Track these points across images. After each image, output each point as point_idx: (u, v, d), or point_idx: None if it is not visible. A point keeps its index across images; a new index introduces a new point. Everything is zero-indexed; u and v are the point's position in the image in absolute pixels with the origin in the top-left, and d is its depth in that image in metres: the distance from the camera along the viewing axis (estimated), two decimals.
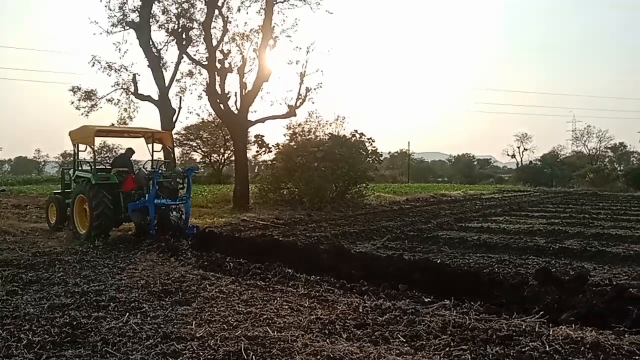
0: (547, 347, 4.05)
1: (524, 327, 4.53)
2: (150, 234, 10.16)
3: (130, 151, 12.29)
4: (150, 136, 12.34)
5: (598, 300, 5.11)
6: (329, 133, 24.11)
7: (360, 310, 5.18)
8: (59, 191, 12.94)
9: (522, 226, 13.45)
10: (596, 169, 47.96)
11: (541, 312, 4.91)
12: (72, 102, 22.55)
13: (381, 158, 24.56)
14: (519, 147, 73.12)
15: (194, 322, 4.82)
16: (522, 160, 72.41)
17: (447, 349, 4.11)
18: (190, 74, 22.65)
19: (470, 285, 6.17)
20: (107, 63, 21.86)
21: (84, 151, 11.83)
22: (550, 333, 4.34)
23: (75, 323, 4.75)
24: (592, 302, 5.10)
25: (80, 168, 11.71)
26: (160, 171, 11.09)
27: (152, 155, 12.55)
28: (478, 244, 10.28)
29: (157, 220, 10.50)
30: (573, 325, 4.51)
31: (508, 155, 74.11)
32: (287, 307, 5.38)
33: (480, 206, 21.01)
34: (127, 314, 5.10)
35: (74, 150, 11.96)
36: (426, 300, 5.55)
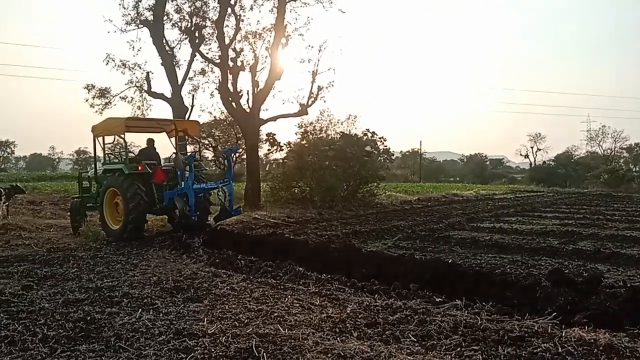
0: (560, 348, 4.02)
1: (536, 328, 4.50)
2: (192, 219, 10.14)
3: (152, 142, 11.94)
4: (174, 128, 11.90)
5: (612, 302, 5.05)
6: (341, 132, 24.15)
7: (371, 309, 5.18)
8: (77, 196, 12.43)
9: (535, 227, 13.33)
10: (611, 169, 47.31)
11: (554, 314, 4.87)
12: (87, 100, 22.82)
13: (393, 157, 24.51)
14: (532, 147, 72.53)
15: (205, 319, 4.85)
16: (535, 160, 71.79)
17: (458, 349, 4.09)
18: (203, 72, 22.80)
19: (482, 285, 6.13)
20: (121, 61, 22.09)
21: (112, 143, 11.91)
22: (563, 334, 4.30)
23: (89, 318, 4.81)
24: (605, 304, 5.04)
25: (107, 161, 11.47)
26: (196, 157, 11.28)
27: (177, 148, 11.91)
28: (490, 245, 10.21)
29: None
30: (586, 327, 4.48)
31: (521, 155, 73.50)
32: (298, 305, 5.39)
33: (492, 206, 20.85)
34: (140, 310, 5.15)
35: (99, 145, 11.50)
36: (437, 300, 5.53)
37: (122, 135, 11.15)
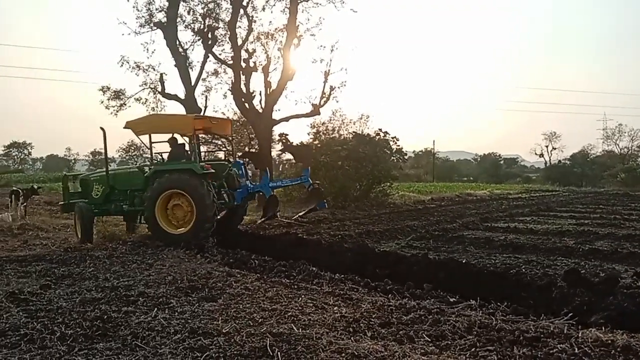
0: (576, 349, 3.97)
1: (552, 328, 4.45)
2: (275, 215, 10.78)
3: (176, 140, 11.18)
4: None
5: (629, 303, 4.99)
6: (353, 132, 24.10)
7: (385, 309, 5.17)
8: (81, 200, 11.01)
9: (551, 227, 13.19)
10: (628, 168, 46.63)
11: (570, 314, 4.82)
12: (102, 102, 23.07)
13: (405, 157, 24.43)
14: (547, 146, 71.66)
15: (220, 318, 4.89)
16: (550, 159, 70.93)
17: (472, 350, 4.07)
18: (216, 73, 22.92)
19: (496, 285, 6.10)
20: (135, 63, 22.31)
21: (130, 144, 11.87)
22: (580, 335, 4.25)
23: (105, 317, 4.87)
24: (623, 305, 4.98)
25: (158, 161, 10.71)
26: (242, 162, 11.57)
27: (195, 147, 11.24)
28: (505, 245, 10.12)
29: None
30: (603, 328, 4.42)
31: (536, 154, 72.67)
32: (311, 304, 5.40)
33: (507, 206, 20.68)
34: (156, 309, 5.20)
35: (145, 143, 10.59)
36: (451, 300, 5.50)
37: (192, 134, 10.57)
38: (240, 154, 13.77)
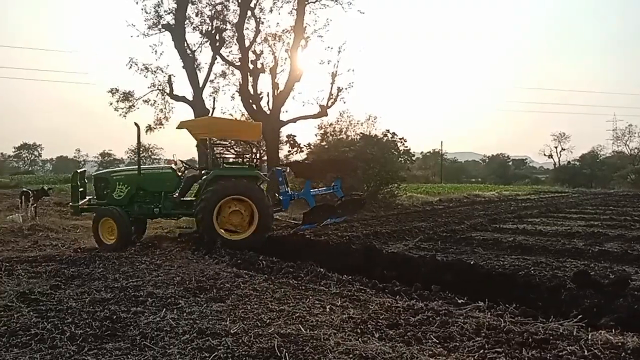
0: (586, 351, 3.95)
1: (561, 330, 4.43)
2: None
3: (207, 145, 10.73)
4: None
5: None
6: (361, 133, 24.02)
7: (393, 311, 5.16)
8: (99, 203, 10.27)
9: (560, 228, 13.10)
10: (638, 169, 46.19)
11: (579, 316, 4.78)
12: (111, 103, 23.29)
13: (413, 158, 24.36)
14: (556, 147, 71.32)
15: (228, 319, 4.91)
16: (559, 160, 70.55)
17: (481, 351, 4.05)
18: (224, 74, 23.06)
19: (505, 287, 6.07)
20: (143, 65, 22.48)
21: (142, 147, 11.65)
22: (589, 337, 4.22)
23: (115, 317, 4.91)
24: (633, 307, 4.94)
25: (221, 165, 10.29)
26: (282, 169, 11.68)
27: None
28: (513, 246, 10.06)
29: None
30: (613, 330, 4.38)
31: (545, 155, 72.33)
32: (319, 305, 5.41)
33: (515, 207, 20.56)
34: (164, 309, 5.23)
35: (202, 146, 10.39)
36: (459, 301, 5.48)
37: (259, 142, 10.75)
38: (283, 163, 13.88)
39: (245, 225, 9.70)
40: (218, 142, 10.82)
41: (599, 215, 16.86)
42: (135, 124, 10.21)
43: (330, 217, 11.26)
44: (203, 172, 10.56)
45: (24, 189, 14.79)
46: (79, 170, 10.77)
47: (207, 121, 11.19)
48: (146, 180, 10.17)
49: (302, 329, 4.58)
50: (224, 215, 9.63)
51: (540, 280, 6.47)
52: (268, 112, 19.76)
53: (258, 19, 20.75)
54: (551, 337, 4.27)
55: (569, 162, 64.70)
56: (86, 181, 10.85)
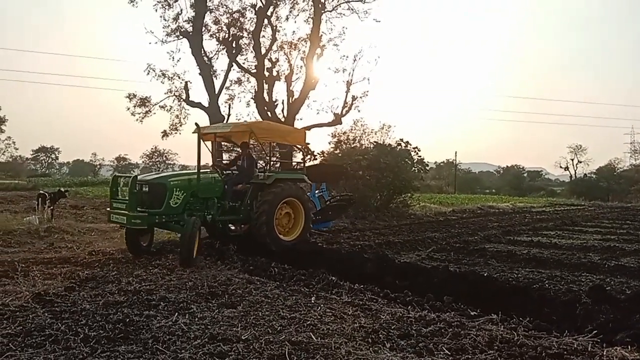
0: None
1: (575, 345, 4.36)
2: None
3: (248, 148, 10.68)
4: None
5: None
6: (374, 141, 24.04)
7: (404, 321, 5.13)
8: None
9: (575, 241, 12.93)
10: None
11: (594, 332, 4.70)
12: (128, 109, 23.62)
13: (427, 168, 24.26)
14: (572, 160, 70.47)
15: (239, 325, 4.92)
16: (575, 173, 69.66)
17: None
18: (239, 81, 23.27)
19: (518, 300, 6.00)
20: (161, 71, 22.78)
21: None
22: (604, 353, 4.16)
23: (127, 320, 4.95)
24: None
25: (277, 169, 10.81)
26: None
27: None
28: (527, 259, 9.95)
29: None
30: (629, 347, 4.30)
31: (561, 167, 71.49)
32: (330, 314, 5.40)
33: (530, 219, 20.34)
34: (177, 313, 5.26)
35: (263, 148, 10.64)
36: (472, 313, 5.43)
37: (305, 146, 11.11)
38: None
39: (289, 227, 10.12)
40: (275, 145, 11.12)
41: (615, 229, 16.61)
42: (196, 124, 9.53)
43: (322, 223, 11.68)
44: (260, 176, 10.14)
45: (41, 192, 14.99)
46: (130, 175, 9.41)
47: (266, 125, 11.32)
48: (201, 186, 9.39)
49: (313, 337, 4.58)
50: (277, 217, 9.93)
51: (554, 294, 6.40)
52: (283, 119, 19.85)
53: (274, 27, 20.95)
54: (565, 352, 4.21)
55: (585, 174, 63.89)
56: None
